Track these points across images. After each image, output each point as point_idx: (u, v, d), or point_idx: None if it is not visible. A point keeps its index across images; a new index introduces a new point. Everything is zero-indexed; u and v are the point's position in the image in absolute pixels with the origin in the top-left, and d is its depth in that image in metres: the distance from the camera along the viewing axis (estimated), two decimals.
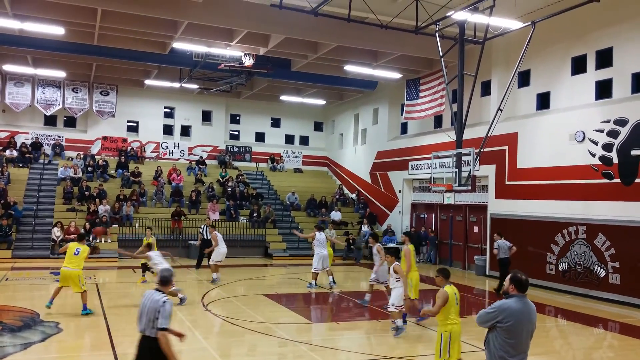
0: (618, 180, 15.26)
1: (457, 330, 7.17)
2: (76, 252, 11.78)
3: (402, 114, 24.73)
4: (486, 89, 20.79)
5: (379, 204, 27.40)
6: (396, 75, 22.83)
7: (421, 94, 22.78)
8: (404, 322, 11.11)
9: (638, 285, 14.51)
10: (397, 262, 11.09)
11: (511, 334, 5.38)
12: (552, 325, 12.87)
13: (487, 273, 19.66)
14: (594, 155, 15.98)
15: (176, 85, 26.10)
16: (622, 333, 11.94)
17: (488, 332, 5.58)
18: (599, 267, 15.64)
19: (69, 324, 10.73)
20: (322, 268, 15.85)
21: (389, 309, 10.89)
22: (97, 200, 23.04)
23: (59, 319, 10.99)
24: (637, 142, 14.76)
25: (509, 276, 5.63)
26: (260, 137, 32.65)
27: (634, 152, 14.81)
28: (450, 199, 18.85)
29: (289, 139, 33.23)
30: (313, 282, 15.92)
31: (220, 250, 16.66)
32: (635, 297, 14.56)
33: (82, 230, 19.04)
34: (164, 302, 5.80)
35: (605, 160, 15.64)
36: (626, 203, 14.97)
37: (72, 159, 26.84)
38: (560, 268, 16.78)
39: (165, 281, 6.14)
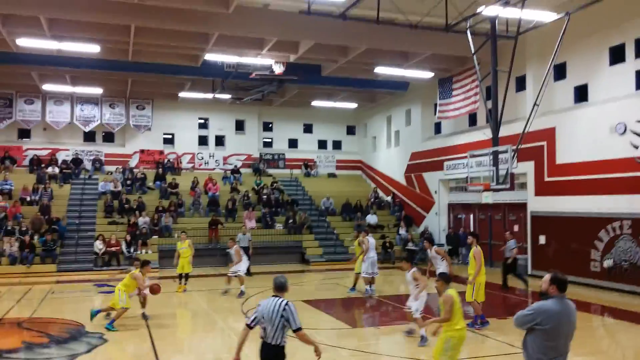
0: None
1: (463, 336, 7.18)
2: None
3: (435, 114, 24.45)
4: (521, 84, 20.36)
5: (414, 206, 27.12)
6: (428, 74, 22.59)
7: (454, 93, 22.46)
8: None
9: None
10: (415, 269, 10.68)
11: (550, 336, 5.22)
12: (599, 324, 12.46)
13: (530, 272, 19.19)
14: (636, 147, 15.45)
15: (209, 96, 26.45)
16: None
17: (526, 334, 5.41)
18: None
19: (113, 335, 10.92)
20: (373, 272, 15.62)
21: (414, 316, 10.32)
22: (137, 212, 23.50)
23: (103, 330, 11.20)
24: None
25: (548, 276, 5.45)
26: (293, 143, 32.78)
27: None
28: (488, 198, 18.46)
29: (322, 144, 33.27)
30: (367, 287, 15.60)
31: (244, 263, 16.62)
32: None
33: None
34: (286, 304, 5.98)
35: None
36: None
37: (111, 173, 27.46)
38: (605, 265, 16.25)
39: (281, 287, 6.36)
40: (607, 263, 16.15)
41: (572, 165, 17.64)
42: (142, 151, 29.44)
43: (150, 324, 11.82)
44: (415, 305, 10.34)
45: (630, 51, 16.30)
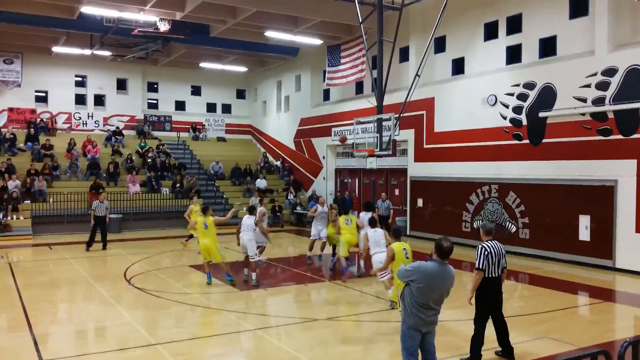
0: (527, 141, 16.18)
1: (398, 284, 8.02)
2: (205, 227, 12.12)
3: (324, 81, 24.80)
4: (404, 55, 21.20)
5: (303, 171, 27.58)
6: (317, 41, 22.77)
7: (342, 60, 22.89)
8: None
9: (545, 238, 15.61)
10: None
11: (422, 293, 5.60)
12: (468, 280, 13.63)
13: (408, 233, 20.41)
14: (505, 118, 16.80)
15: (87, 52, 24.74)
16: (531, 283, 12.87)
17: (404, 286, 5.84)
18: (510, 223, 16.65)
19: None
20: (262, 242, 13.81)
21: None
22: (6, 175, 21.68)
23: None
24: (544, 105, 15.65)
25: (435, 241, 5.85)
26: (180, 105, 31.72)
27: (541, 114, 15.71)
28: (372, 163, 19.22)
29: (211, 108, 32.54)
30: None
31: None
32: (543, 250, 15.67)
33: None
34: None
35: (515, 122, 16.51)
36: (534, 162, 15.94)
37: None
38: (475, 225, 17.70)
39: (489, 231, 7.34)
40: (477, 224, 17.60)
41: (448, 134, 18.83)
42: (10, 109, 27.01)
43: (22, 293, 11.13)
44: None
45: (502, 28, 17.52)
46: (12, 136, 25.10)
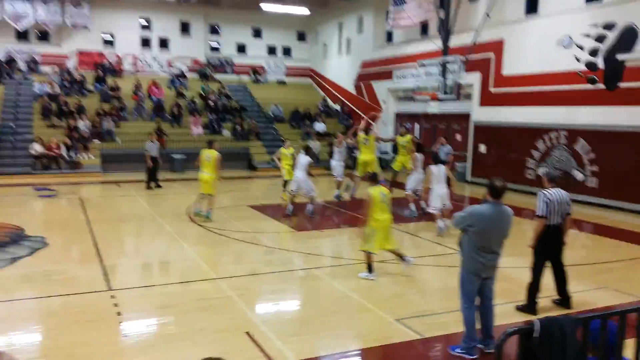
0: (602, 86, 15.21)
1: (380, 227, 8.24)
2: (207, 159, 12.45)
3: (387, 22, 24.00)
4: None
5: (363, 115, 27.20)
6: None
7: (407, 0, 21.99)
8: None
9: (614, 188, 14.89)
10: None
11: (480, 237, 5.51)
12: (529, 228, 13.26)
13: (469, 179, 19.98)
14: (579, 61, 15.81)
15: None
16: (595, 233, 12.39)
17: (461, 234, 5.73)
18: (578, 171, 15.94)
19: (55, 238, 10.84)
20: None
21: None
22: (77, 115, 22.60)
23: (45, 233, 11.08)
24: (624, 47, 14.57)
25: (487, 182, 5.70)
26: (241, 48, 31.74)
27: (620, 57, 14.65)
28: (434, 108, 18.73)
29: (272, 50, 32.38)
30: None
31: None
32: (611, 199, 14.99)
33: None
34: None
35: (590, 65, 15.50)
36: (608, 108, 15.02)
37: (48, 74, 26.03)
38: (539, 173, 17.06)
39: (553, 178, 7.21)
40: (542, 171, 16.95)
41: (518, 77, 17.95)
42: (80, 52, 27.85)
43: (93, 228, 11.75)
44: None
45: None
46: (81, 78, 25.98)
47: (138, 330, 6.53)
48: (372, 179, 8.60)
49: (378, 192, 8.30)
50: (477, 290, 5.71)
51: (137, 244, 11.32)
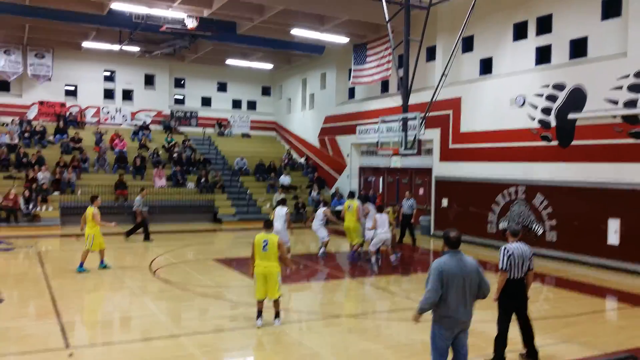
0: (556, 143, 15.93)
1: (259, 272, 8.55)
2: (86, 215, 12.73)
3: (349, 79, 24.75)
4: (431, 55, 21.03)
5: (327, 168, 27.59)
6: (343, 39, 22.73)
7: (368, 59, 22.82)
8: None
9: (573, 241, 15.35)
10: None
11: (446, 290, 5.47)
12: (492, 281, 13.46)
13: (432, 233, 20.28)
14: (533, 119, 16.56)
15: (116, 47, 25.11)
16: (557, 286, 12.68)
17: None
18: (537, 225, 16.41)
19: (11, 293, 10.44)
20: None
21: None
22: (36, 166, 22.14)
23: (0, 288, 10.64)
24: (573, 106, 15.38)
25: (443, 234, 5.83)
26: (206, 101, 32.01)
27: (570, 116, 15.44)
28: (397, 162, 19.15)
29: (236, 104, 32.76)
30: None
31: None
32: (570, 253, 15.41)
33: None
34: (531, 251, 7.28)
35: (544, 123, 16.26)
36: (563, 164, 15.68)
37: (7, 124, 25.57)
38: (500, 227, 17.48)
39: (515, 232, 7.43)
40: (503, 225, 17.39)
41: (475, 134, 18.64)
42: (41, 103, 27.58)
43: (51, 283, 11.35)
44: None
45: (532, 28, 17.26)
46: (42, 129, 25.62)
47: None
48: (265, 225, 8.87)
49: (261, 239, 8.57)
50: (449, 346, 5.70)
51: (97, 299, 10.97)
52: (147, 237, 17.86)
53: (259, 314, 8.65)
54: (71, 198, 21.44)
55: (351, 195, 16.86)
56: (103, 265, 13.02)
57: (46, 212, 20.57)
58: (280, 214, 14.12)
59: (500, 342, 7.06)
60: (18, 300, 10.28)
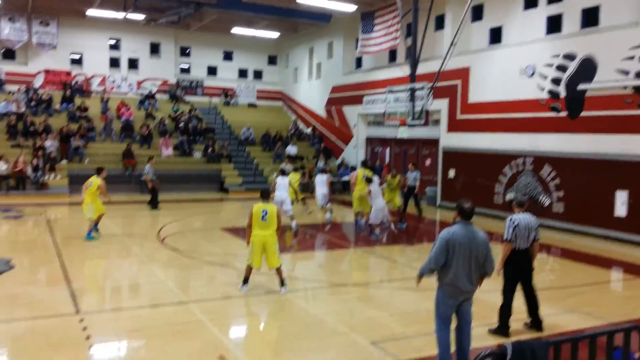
0: (565, 114, 15.77)
1: (256, 242, 8.60)
2: (90, 184, 12.81)
3: (356, 48, 24.47)
4: (440, 23, 20.72)
5: (334, 139, 27.50)
6: (351, 7, 22.37)
7: (376, 28, 22.49)
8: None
9: (580, 212, 15.33)
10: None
11: (453, 259, 5.54)
12: (497, 252, 13.51)
13: (438, 204, 20.30)
14: (542, 90, 16.37)
15: (121, 15, 24.82)
16: (563, 257, 12.71)
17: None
18: (544, 196, 16.38)
19: (21, 261, 10.57)
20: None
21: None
22: (43, 135, 22.18)
23: (10, 255, 10.78)
24: (584, 77, 15.17)
25: (456, 204, 5.85)
26: (212, 71, 31.79)
27: (580, 87, 15.24)
28: (404, 133, 19.05)
29: (242, 73, 32.51)
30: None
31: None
32: (577, 224, 15.41)
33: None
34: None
35: (553, 94, 16.07)
36: (571, 135, 15.56)
37: (13, 93, 25.54)
38: (507, 198, 17.46)
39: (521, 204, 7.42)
40: (510, 196, 17.36)
41: (483, 105, 18.46)
42: (47, 71, 27.46)
43: (61, 250, 11.49)
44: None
45: None
46: (48, 97, 25.58)
47: (107, 355, 6.42)
48: (262, 195, 8.89)
49: (259, 209, 8.61)
50: (453, 313, 5.77)
51: (106, 266, 11.11)
52: (155, 206, 17.97)
53: (246, 280, 8.83)
54: (79, 167, 21.52)
55: (363, 164, 16.72)
56: (95, 229, 13.08)
57: (54, 181, 20.70)
58: (282, 183, 14.31)
59: (505, 311, 7.12)
60: (28, 267, 10.42)
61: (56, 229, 14.03)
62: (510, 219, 7.16)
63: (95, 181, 12.83)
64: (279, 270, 8.79)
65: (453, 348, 5.82)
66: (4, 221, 15.34)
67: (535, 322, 7.34)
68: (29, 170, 20.26)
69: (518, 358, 2.70)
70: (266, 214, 8.60)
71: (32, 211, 16.88)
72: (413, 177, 17.44)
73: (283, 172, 14.93)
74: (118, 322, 7.41)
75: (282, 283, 8.83)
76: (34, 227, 14.70)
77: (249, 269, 8.82)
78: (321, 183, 16.26)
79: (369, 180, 13.88)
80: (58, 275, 9.55)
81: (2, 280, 9.23)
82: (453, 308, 5.73)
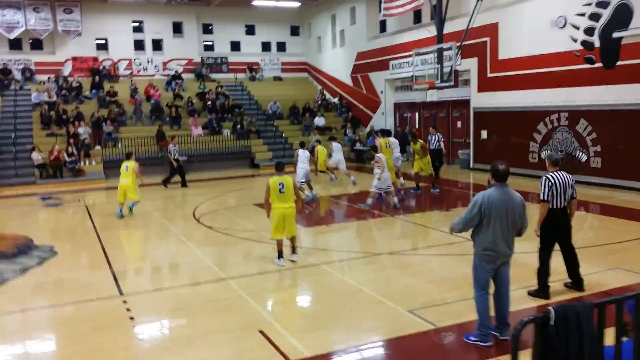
0: (599, 65, 15.18)
1: (277, 214, 8.68)
2: (126, 169, 13.45)
3: (380, 11, 23.93)
4: None
5: (361, 107, 27.22)
6: None
7: None
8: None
9: (618, 167, 14.88)
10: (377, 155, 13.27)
11: (489, 223, 5.47)
12: (535, 212, 13.26)
13: (472, 166, 19.98)
14: (575, 41, 15.76)
15: None
16: (602, 214, 12.40)
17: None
18: (581, 152, 15.94)
19: (64, 247, 10.87)
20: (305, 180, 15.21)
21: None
22: (76, 122, 22.60)
23: (53, 242, 11.11)
24: (618, 24, 14.52)
25: (491, 167, 5.71)
26: (235, 46, 31.66)
27: (615, 35, 14.61)
28: (433, 96, 18.70)
29: (266, 47, 32.30)
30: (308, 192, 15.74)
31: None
32: (615, 179, 14.98)
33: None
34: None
35: (587, 45, 15.46)
36: (607, 87, 14.99)
37: (44, 82, 26.01)
38: (542, 156, 17.04)
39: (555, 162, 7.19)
40: (545, 154, 16.93)
41: (514, 61, 17.91)
42: (74, 58, 27.82)
43: (100, 235, 11.79)
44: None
45: None
46: (78, 84, 25.97)
47: (152, 334, 6.57)
48: (277, 168, 8.95)
49: (276, 182, 8.65)
50: (490, 278, 5.70)
51: (145, 247, 11.36)
52: (184, 184, 18.29)
53: (281, 254, 8.90)
54: (112, 152, 21.91)
55: (387, 133, 16.49)
56: (131, 209, 13.81)
57: (90, 167, 21.16)
58: (303, 155, 14.98)
59: (544, 272, 6.99)
60: (71, 253, 10.72)
61: (94, 214, 14.35)
62: (546, 178, 6.97)
63: (131, 163, 13.49)
64: (294, 239, 9.01)
65: (493, 313, 5.76)
66: (44, 209, 15.80)
67: (576, 282, 7.20)
68: (65, 157, 20.72)
69: (561, 322, 2.63)
70: (283, 186, 8.68)
71: (71, 198, 17.32)
72: (436, 140, 17.08)
73: (302, 145, 15.71)
74: (160, 302, 7.58)
75: (294, 250, 9.09)
76: (73, 214, 15.08)
77: (280, 243, 8.91)
78: (337, 150, 17.03)
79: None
80: (100, 259, 9.81)
81: (47, 266, 9.53)
82: (491, 273, 5.66)
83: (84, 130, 22.21)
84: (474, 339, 5.74)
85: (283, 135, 25.50)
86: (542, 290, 6.98)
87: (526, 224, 5.70)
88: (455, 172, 19.94)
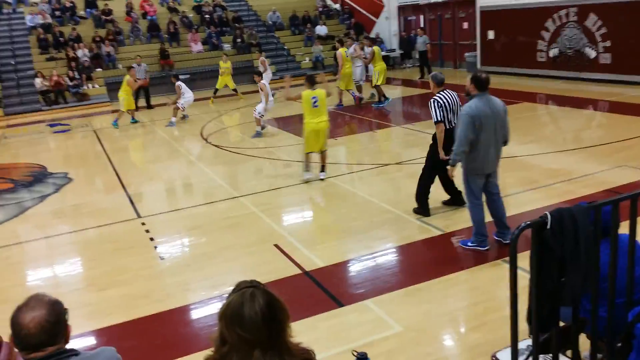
0: None
1: (310, 129, 8.69)
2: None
3: None
4: None
5: (364, 12, 26.34)
6: None
7: None
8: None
9: (628, 62, 14.57)
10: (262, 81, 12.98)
11: (476, 132, 5.45)
12: (543, 112, 13.22)
13: (479, 68, 19.63)
14: None
15: None
16: (611, 111, 12.31)
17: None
18: (590, 49, 15.56)
19: (78, 173, 11.09)
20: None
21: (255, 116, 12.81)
22: (74, 44, 22.17)
23: (67, 168, 11.32)
24: None
25: (469, 77, 5.65)
26: None
27: None
28: None
29: None
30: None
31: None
32: (625, 75, 14.72)
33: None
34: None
35: None
36: None
37: (36, 4, 25.23)
38: (551, 54, 16.68)
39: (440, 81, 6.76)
40: (553, 52, 16.58)
41: None
42: None
43: (112, 158, 11.96)
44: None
45: None
46: (71, 4, 25.18)
47: (172, 253, 6.86)
48: (309, 81, 8.70)
49: (309, 96, 8.51)
50: (482, 187, 5.78)
51: (157, 169, 11.55)
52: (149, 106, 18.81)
53: (309, 167, 8.97)
54: (114, 73, 21.64)
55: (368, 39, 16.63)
56: (134, 121, 15.77)
57: (93, 90, 21.01)
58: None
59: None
60: (85, 178, 10.95)
61: (103, 139, 14.47)
62: (434, 99, 6.62)
63: (125, 77, 14.71)
64: (324, 154, 8.97)
65: (489, 219, 5.92)
66: (53, 136, 15.92)
67: (455, 196, 7.24)
68: (67, 82, 20.55)
69: (557, 225, 2.77)
70: (317, 100, 8.57)
71: (78, 123, 17.37)
72: (422, 41, 16.75)
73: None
74: (177, 222, 7.84)
75: (323, 169, 9.06)
76: (82, 139, 15.18)
77: (308, 156, 8.98)
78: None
79: None
80: (114, 183, 10.03)
81: (64, 192, 9.78)
82: (482, 182, 5.77)
83: (83, 53, 21.83)
84: (471, 244, 5.96)
85: (285, 47, 24.92)
86: (423, 209, 7.07)
87: (509, 130, 5.74)
88: (462, 75, 19.61)
